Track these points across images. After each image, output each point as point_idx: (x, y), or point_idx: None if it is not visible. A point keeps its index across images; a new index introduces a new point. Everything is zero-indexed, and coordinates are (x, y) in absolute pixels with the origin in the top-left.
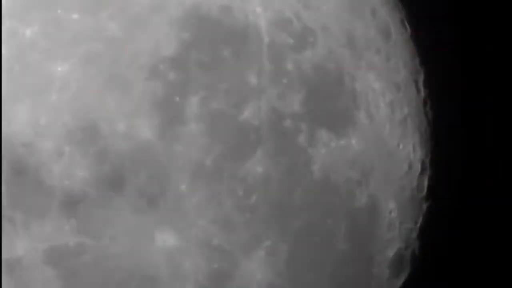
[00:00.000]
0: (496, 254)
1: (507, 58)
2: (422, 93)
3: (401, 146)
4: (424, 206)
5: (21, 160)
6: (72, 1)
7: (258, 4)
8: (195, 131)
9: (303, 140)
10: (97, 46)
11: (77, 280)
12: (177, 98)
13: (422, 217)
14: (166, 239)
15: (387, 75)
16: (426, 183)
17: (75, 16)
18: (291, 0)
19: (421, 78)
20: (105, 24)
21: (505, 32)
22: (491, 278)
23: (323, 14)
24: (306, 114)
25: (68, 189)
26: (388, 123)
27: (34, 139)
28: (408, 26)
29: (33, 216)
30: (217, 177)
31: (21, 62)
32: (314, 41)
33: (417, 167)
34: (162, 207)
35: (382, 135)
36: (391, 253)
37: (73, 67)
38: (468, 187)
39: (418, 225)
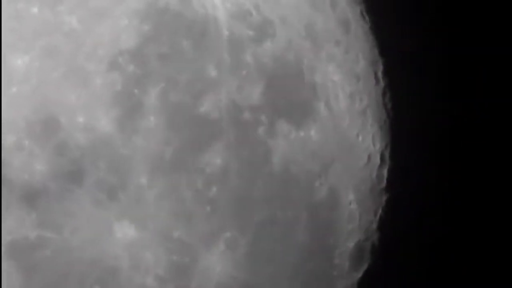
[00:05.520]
0: (455, 243)
1: (466, 48)
2: (382, 83)
3: (360, 138)
4: (384, 197)
5: None
6: None
7: None
8: (154, 124)
9: (262, 132)
10: (57, 39)
11: (38, 273)
12: (137, 91)
13: (381, 209)
14: (126, 231)
15: (347, 67)
16: (385, 174)
17: (34, 9)
18: None
19: (380, 69)
20: (64, 17)
21: (464, 22)
22: (451, 268)
23: (282, 6)
24: (265, 106)
25: (28, 183)
26: (347, 115)
27: None
28: (367, 18)
29: None
30: (176, 169)
31: None
32: (273, 33)
33: (377, 158)
34: (122, 199)
35: (342, 126)
36: (351, 244)
37: (33, 60)
38: (427, 178)
39: (378, 216)
